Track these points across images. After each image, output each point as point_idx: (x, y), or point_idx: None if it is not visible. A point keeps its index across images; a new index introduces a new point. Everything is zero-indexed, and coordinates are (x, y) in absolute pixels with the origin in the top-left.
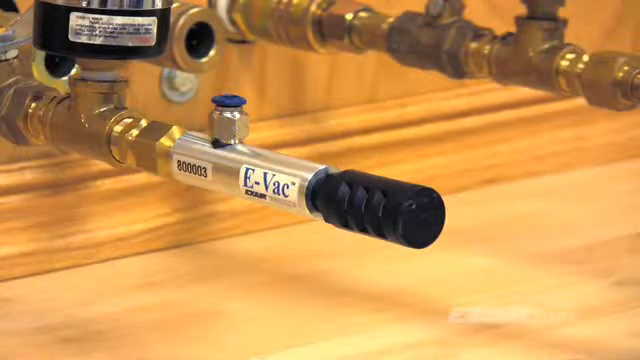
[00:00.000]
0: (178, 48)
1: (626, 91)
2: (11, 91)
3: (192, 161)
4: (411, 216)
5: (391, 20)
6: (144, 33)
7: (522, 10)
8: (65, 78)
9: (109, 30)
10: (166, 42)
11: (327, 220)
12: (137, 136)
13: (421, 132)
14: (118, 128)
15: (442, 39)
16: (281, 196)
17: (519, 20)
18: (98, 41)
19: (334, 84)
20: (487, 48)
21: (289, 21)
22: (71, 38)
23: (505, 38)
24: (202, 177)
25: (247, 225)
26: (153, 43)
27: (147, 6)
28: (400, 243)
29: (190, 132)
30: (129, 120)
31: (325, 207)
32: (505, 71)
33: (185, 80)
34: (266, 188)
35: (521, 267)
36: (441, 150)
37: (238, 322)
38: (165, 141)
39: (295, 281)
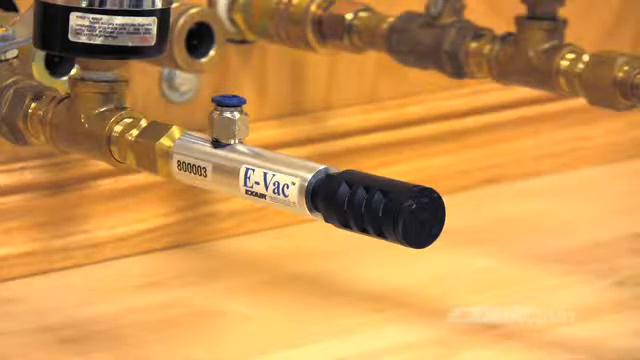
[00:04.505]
0: (178, 48)
1: (626, 91)
2: (11, 91)
3: (192, 161)
4: (411, 216)
5: (391, 20)
6: (144, 33)
7: (522, 10)
8: (65, 78)
9: (109, 30)
10: (166, 42)
11: (327, 220)
12: (137, 136)
13: (421, 132)
14: (118, 128)
15: (442, 39)
16: (281, 196)
17: (519, 20)
18: (98, 41)
19: (334, 84)
20: (487, 48)
21: (289, 21)
22: (71, 38)
23: (505, 38)
24: (202, 177)
25: (247, 225)
26: (153, 43)
27: (147, 6)
28: (400, 243)
29: (190, 132)
30: (129, 120)
31: (325, 207)
32: (505, 71)
33: (185, 80)
34: (266, 188)
35: (521, 267)
36: (441, 150)
37: (238, 322)
38: (165, 141)
39: (295, 281)
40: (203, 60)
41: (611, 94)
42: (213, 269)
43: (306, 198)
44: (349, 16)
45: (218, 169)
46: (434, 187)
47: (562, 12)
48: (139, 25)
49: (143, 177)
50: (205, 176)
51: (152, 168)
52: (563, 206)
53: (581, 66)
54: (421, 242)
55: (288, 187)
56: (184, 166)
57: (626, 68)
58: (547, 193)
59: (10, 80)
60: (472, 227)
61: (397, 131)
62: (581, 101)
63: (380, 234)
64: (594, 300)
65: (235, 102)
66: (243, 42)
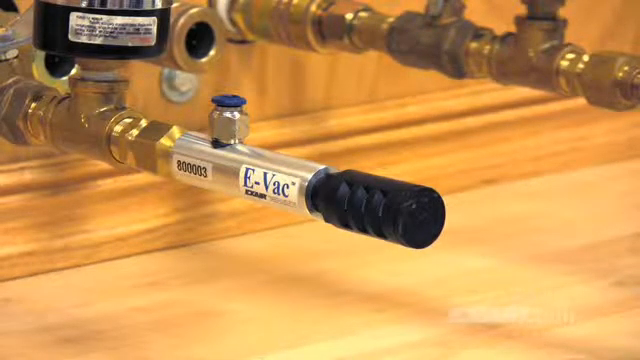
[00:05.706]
0: (178, 48)
1: (626, 91)
2: (11, 91)
3: (192, 161)
4: (411, 216)
5: (391, 20)
6: (144, 33)
7: (522, 10)
8: (65, 78)
9: (109, 30)
10: (166, 42)
11: (327, 220)
12: (137, 136)
13: (421, 132)
14: (118, 128)
15: (442, 39)
16: (281, 196)
17: (519, 20)
18: (98, 41)
19: (334, 84)
20: (487, 48)
21: (289, 21)
22: (71, 38)
23: (505, 38)
24: (202, 177)
25: (247, 225)
26: (153, 43)
27: (147, 6)
28: (400, 243)
29: (190, 132)
30: (129, 120)
31: (325, 207)
32: (505, 71)
33: (185, 80)
34: (266, 188)
35: (521, 267)
36: (441, 150)
37: (238, 322)
38: (165, 141)
39: (295, 281)
40: (203, 60)
41: (611, 94)
42: (213, 269)
43: (306, 198)
44: (349, 16)
45: (218, 169)
46: (434, 187)
47: (562, 12)
48: (139, 25)
49: (143, 177)
50: (205, 176)
51: (152, 168)
52: (563, 206)
53: (581, 66)
54: (421, 242)
55: (288, 187)
56: (184, 166)
57: (626, 68)
58: (547, 193)
59: (10, 80)
60: (472, 227)
61: (397, 131)
62: (581, 101)
63: (380, 234)
64: (594, 300)
65: (235, 102)
66: (243, 42)
